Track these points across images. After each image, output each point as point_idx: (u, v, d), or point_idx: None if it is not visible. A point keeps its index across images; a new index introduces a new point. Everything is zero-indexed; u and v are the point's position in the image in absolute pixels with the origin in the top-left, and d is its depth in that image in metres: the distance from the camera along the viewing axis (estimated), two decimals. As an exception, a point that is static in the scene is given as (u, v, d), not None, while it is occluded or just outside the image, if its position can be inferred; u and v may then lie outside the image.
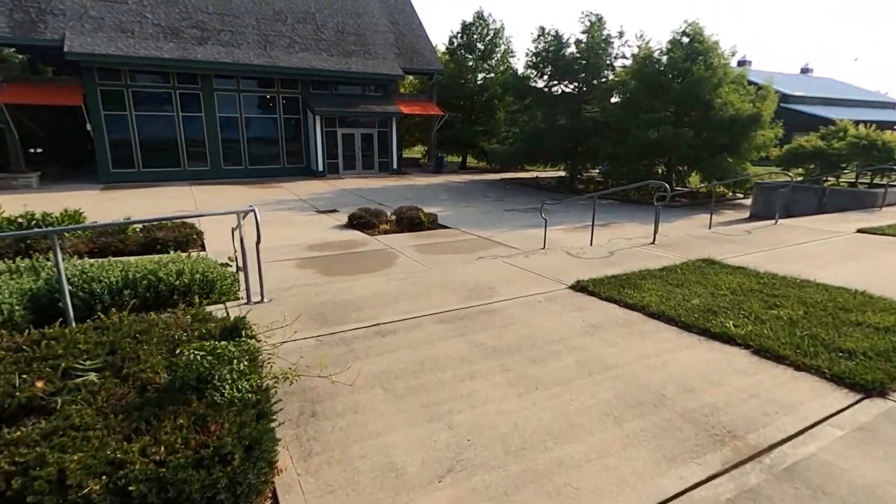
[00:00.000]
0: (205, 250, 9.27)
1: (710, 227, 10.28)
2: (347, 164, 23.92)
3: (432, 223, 11.71)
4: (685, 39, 16.54)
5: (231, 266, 6.81)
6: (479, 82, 29.55)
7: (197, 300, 4.57)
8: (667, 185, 7.28)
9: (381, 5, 26.92)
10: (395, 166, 24.99)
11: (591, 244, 8.56)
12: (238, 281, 5.85)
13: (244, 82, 21.79)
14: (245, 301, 4.67)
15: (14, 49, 21.87)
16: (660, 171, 17.39)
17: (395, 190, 19.17)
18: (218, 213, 5.08)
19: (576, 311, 4.36)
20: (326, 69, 22.45)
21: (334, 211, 14.26)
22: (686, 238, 7.94)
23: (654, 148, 16.01)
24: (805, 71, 48.77)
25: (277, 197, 17.01)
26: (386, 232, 11.21)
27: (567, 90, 20.82)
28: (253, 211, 4.48)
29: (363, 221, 11.63)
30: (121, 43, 18.86)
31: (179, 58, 19.51)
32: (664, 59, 16.84)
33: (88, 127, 19.19)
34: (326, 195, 17.74)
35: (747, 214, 14.04)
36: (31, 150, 27.84)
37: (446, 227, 11.86)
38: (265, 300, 4.73)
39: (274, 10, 23.55)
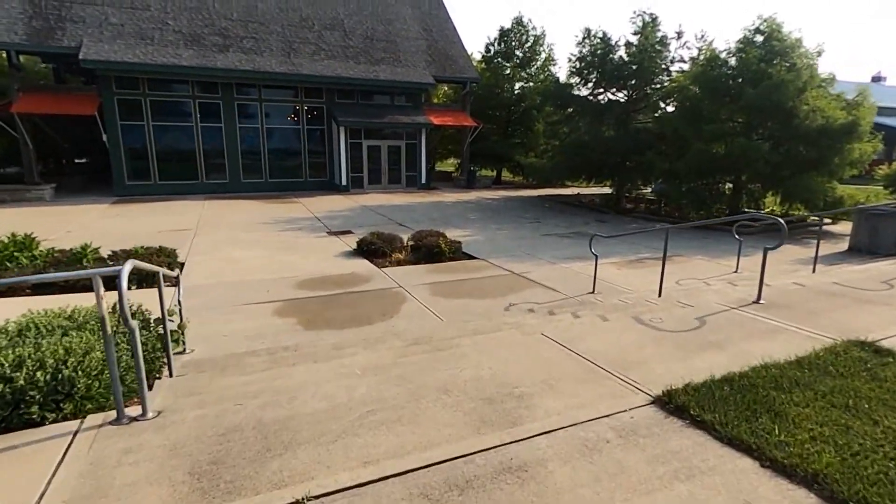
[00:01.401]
0: (177, 285, 7.67)
1: (814, 269, 7.93)
2: (373, 178, 22.39)
3: (455, 252, 9.78)
4: (759, 38, 14.13)
5: (174, 323, 5.10)
6: (516, 92, 27.63)
7: (37, 414, 2.79)
8: (783, 223, 5.08)
9: (414, 11, 25.52)
10: (423, 181, 23.29)
11: (660, 294, 6.41)
12: (172, 350, 4.10)
13: (266, 91, 20.66)
14: (116, 417, 2.85)
15: (40, 59, 21.58)
16: (725, 191, 14.92)
17: (421, 208, 17.39)
18: (62, 275, 3.28)
19: (681, 481, 2.31)
20: (352, 77, 21.08)
21: (348, 232, 12.58)
22: (799, 292, 5.69)
23: (720, 164, 13.62)
24: (877, 79, 44.47)
25: (291, 214, 15.53)
26: (399, 262, 9.37)
27: (615, 98, 18.62)
28: (118, 274, 2.66)
29: (374, 248, 9.84)
30: (139, 50, 18.01)
31: (198, 65, 18.51)
32: (732, 60, 14.46)
33: (104, 137, 18.36)
34: (344, 213, 16.13)
35: (843, 247, 11.44)
36: (64, 161, 27.80)
37: (472, 258, 9.91)
38: (150, 414, 2.90)
39: (301, 16, 22.47)
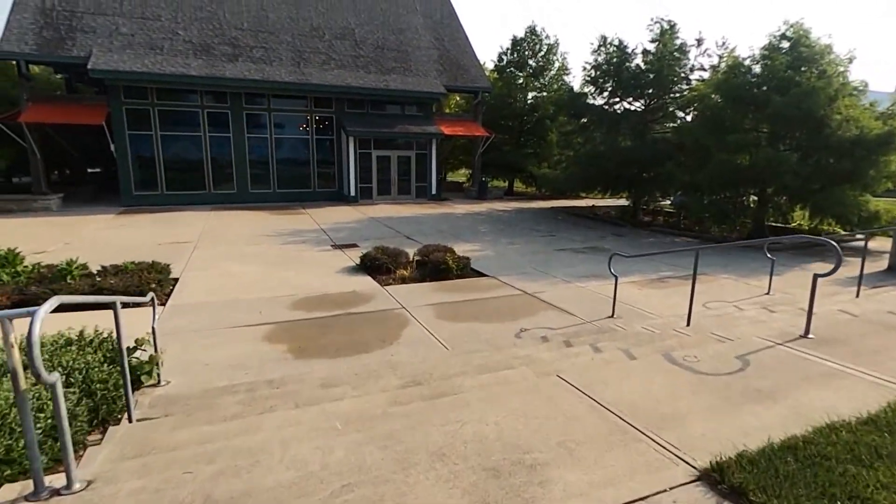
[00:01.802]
0: (162, 305, 7.20)
1: (858, 293, 7.22)
2: (382, 188, 22.00)
3: (463, 269, 9.22)
4: (785, 44, 13.47)
5: (145, 354, 4.60)
6: (529, 101, 27.18)
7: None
8: (837, 247, 4.43)
9: (426, 20, 25.27)
10: (433, 192, 22.83)
11: (688, 322, 5.76)
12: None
13: (275, 101, 20.44)
14: (33, 490, 2.32)
15: (53, 69, 21.68)
16: (750, 204, 14.18)
17: (430, 220, 16.89)
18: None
19: None
20: (362, 86, 20.79)
21: (353, 246, 12.12)
22: (850, 324, 5.02)
23: (745, 175, 12.91)
24: (902, 88, 43.16)
25: (296, 226, 15.13)
26: (403, 280, 8.84)
27: (631, 108, 18.02)
28: (32, 317, 2.15)
29: (378, 264, 9.34)
30: (147, 60, 17.90)
31: (206, 74, 18.34)
32: (757, 68, 13.81)
33: (112, 147, 18.24)
34: (351, 225, 15.70)
35: (881, 265, 10.64)
36: (76, 171, 27.95)
37: (481, 275, 9.34)
38: (76, 485, 2.37)
39: (311, 25, 22.31)
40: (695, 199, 14.00)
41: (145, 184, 19.09)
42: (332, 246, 12.16)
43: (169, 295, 7.71)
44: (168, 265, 8.60)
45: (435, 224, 15.97)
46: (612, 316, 6.88)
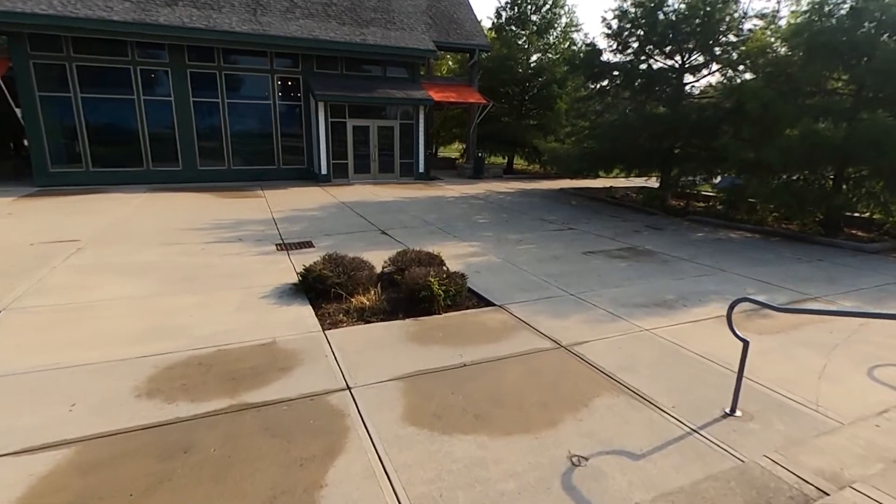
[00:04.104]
0: None
1: None
2: (359, 165, 18.50)
3: (455, 296, 5.92)
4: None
5: None
6: (532, 64, 23.51)
7: None
8: None
9: (412, -35, 21.30)
10: (421, 170, 19.36)
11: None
12: None
13: (227, 57, 16.70)
14: None
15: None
16: (828, 188, 10.94)
17: (415, 206, 13.52)
18: None
19: None
20: (333, 40, 17.07)
21: (306, 245, 8.83)
22: None
23: (831, 152, 9.63)
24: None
25: (242, 214, 11.74)
26: (362, 313, 5.56)
27: (665, 65, 14.55)
28: None
29: (326, 286, 6.05)
30: (56, 1, 14.07)
31: (134, 20, 14.56)
32: (844, 7, 10.41)
33: (19, 112, 14.57)
34: (313, 213, 12.31)
35: None
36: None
37: (483, 302, 6.08)
38: None
39: (274, -33, 18.34)
40: (758, 182, 10.73)
41: (65, 158, 15.48)
42: (276, 246, 8.83)
43: (-57, 356, 4.39)
44: (-27, 295, 5.25)
45: (420, 212, 12.62)
46: (731, 413, 3.69)
